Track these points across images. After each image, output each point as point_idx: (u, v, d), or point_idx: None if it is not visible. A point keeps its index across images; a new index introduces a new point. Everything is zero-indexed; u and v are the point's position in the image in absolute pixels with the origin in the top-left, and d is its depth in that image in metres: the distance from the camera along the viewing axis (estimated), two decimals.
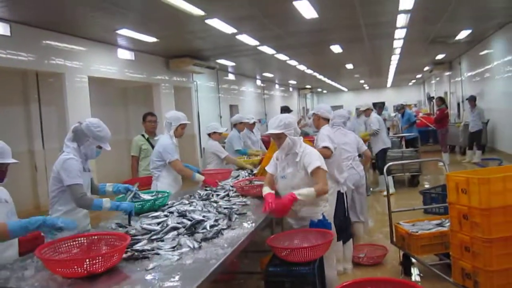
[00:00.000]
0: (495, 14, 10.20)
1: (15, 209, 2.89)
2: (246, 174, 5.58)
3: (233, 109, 17.85)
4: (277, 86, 25.68)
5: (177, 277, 2.12)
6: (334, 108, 7.02)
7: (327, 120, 4.91)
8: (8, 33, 7.34)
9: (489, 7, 9.44)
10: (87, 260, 2.20)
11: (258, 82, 21.92)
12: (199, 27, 9.04)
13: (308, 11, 8.23)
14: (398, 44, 13.13)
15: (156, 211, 3.58)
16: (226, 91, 17.37)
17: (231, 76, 17.91)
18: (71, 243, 2.52)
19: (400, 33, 11.31)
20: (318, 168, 3.36)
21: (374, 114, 9.10)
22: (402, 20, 9.66)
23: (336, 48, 13.09)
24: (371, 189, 9.07)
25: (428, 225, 4.40)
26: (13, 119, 9.12)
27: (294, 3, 7.68)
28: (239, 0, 7.34)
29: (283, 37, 10.86)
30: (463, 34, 12.11)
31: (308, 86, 29.91)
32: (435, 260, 4.48)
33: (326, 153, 4.26)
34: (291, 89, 29.01)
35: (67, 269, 2.19)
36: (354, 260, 4.95)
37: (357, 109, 13.51)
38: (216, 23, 8.62)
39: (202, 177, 4.82)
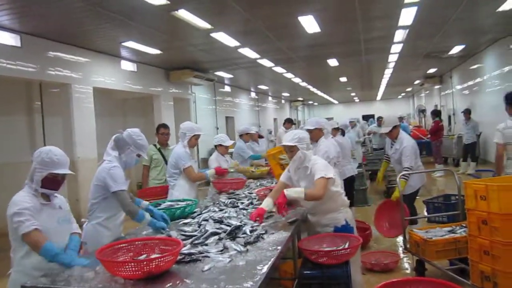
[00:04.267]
0: (488, 30, 10.58)
1: None
2: (257, 184, 5.74)
3: (228, 120, 18.01)
4: (270, 98, 25.96)
5: (236, 276, 2.26)
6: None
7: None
8: (19, 44, 7.45)
9: (483, 23, 9.80)
10: (145, 262, 2.32)
11: (252, 94, 22.15)
12: (203, 40, 9.25)
13: (311, 26, 8.47)
14: (393, 58, 13.49)
15: (185, 218, 3.72)
16: (222, 102, 17.55)
17: (227, 88, 18.11)
18: (126, 247, 2.64)
19: (396, 48, 11.65)
20: (319, 178, 3.52)
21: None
22: (400, 35, 9.98)
23: (332, 62, 13.39)
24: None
25: (440, 232, 4.57)
26: (16, 129, 9.17)
27: (299, 18, 7.93)
28: (246, 14, 7.54)
29: (283, 51, 11.11)
30: (456, 49, 12.50)
31: (300, 99, 30.28)
32: (445, 265, 4.65)
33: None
34: (283, 101, 29.33)
35: (127, 271, 2.29)
36: (367, 267, 5.12)
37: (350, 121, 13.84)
38: (221, 36, 8.83)
39: (213, 171, 5.20)
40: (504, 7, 8.09)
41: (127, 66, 10.76)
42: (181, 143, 5.11)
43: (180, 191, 5.01)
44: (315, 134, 5.27)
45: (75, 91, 8.85)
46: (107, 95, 11.29)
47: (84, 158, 8.79)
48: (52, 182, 2.76)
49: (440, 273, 4.41)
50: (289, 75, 16.18)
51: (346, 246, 3.22)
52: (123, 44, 9.08)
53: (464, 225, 4.42)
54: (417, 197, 6.07)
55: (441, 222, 6.19)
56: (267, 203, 3.62)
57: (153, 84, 12.02)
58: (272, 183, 5.54)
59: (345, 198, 3.85)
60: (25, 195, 2.71)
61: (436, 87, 21.24)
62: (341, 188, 3.87)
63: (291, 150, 3.71)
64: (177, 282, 2.27)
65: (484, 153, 13.52)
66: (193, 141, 5.14)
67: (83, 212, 7.28)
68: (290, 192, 3.45)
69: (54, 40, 8.31)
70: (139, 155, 3.60)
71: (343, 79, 19.06)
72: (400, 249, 5.82)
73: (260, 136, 8.61)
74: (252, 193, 4.75)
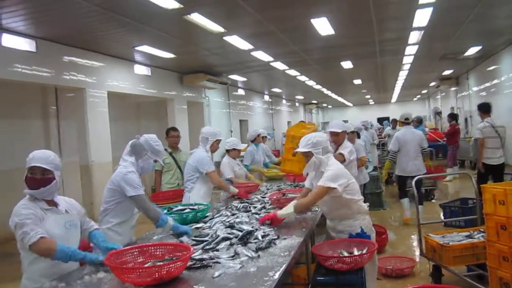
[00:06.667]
0: (505, 31, 10.38)
1: None
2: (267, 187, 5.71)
3: (242, 124, 18.01)
4: (283, 101, 25.90)
5: (247, 283, 2.22)
6: None
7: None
8: (34, 49, 7.53)
9: (500, 24, 9.63)
10: (155, 268, 2.30)
11: (266, 97, 22.11)
12: (216, 44, 9.25)
13: (325, 28, 8.41)
14: (408, 60, 13.33)
15: (197, 222, 3.69)
16: (236, 106, 17.55)
17: (240, 91, 18.11)
18: (135, 253, 2.61)
19: (411, 50, 11.51)
20: (319, 185, 3.45)
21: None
22: (415, 36, 9.85)
23: (347, 64, 13.29)
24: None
25: (457, 237, 4.46)
26: (32, 133, 9.29)
27: (313, 20, 7.87)
28: (259, 16, 7.51)
29: (297, 53, 11.05)
30: (473, 50, 12.31)
31: (314, 101, 30.16)
32: (463, 271, 4.54)
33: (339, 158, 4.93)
34: (297, 104, 29.25)
35: (137, 278, 2.27)
36: (382, 272, 5.03)
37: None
38: (234, 39, 8.82)
39: (236, 190, 4.98)
40: None
41: (141, 70, 10.82)
42: (202, 147, 5.11)
43: (198, 194, 5.01)
44: (341, 137, 5.44)
45: (89, 95, 8.91)
46: (121, 99, 11.35)
47: (98, 162, 8.85)
48: (31, 181, 2.66)
49: (457, 279, 4.31)
50: (302, 78, 16.11)
51: (364, 251, 3.12)
52: (136, 48, 9.13)
53: (482, 230, 4.31)
54: (433, 200, 6.07)
55: (458, 227, 6.10)
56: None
57: (167, 88, 12.07)
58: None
59: (363, 205, 3.68)
60: (24, 203, 2.63)
61: (453, 89, 20.93)
62: (359, 195, 3.70)
63: (307, 155, 3.60)
64: (188, 285, 2.24)
65: None
66: (215, 145, 5.18)
67: (97, 215, 7.26)
68: (281, 212, 3.45)
69: (69, 45, 8.38)
70: (155, 161, 3.60)
71: (358, 82, 18.92)
72: (416, 253, 5.73)
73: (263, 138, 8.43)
74: (265, 197, 4.71)
